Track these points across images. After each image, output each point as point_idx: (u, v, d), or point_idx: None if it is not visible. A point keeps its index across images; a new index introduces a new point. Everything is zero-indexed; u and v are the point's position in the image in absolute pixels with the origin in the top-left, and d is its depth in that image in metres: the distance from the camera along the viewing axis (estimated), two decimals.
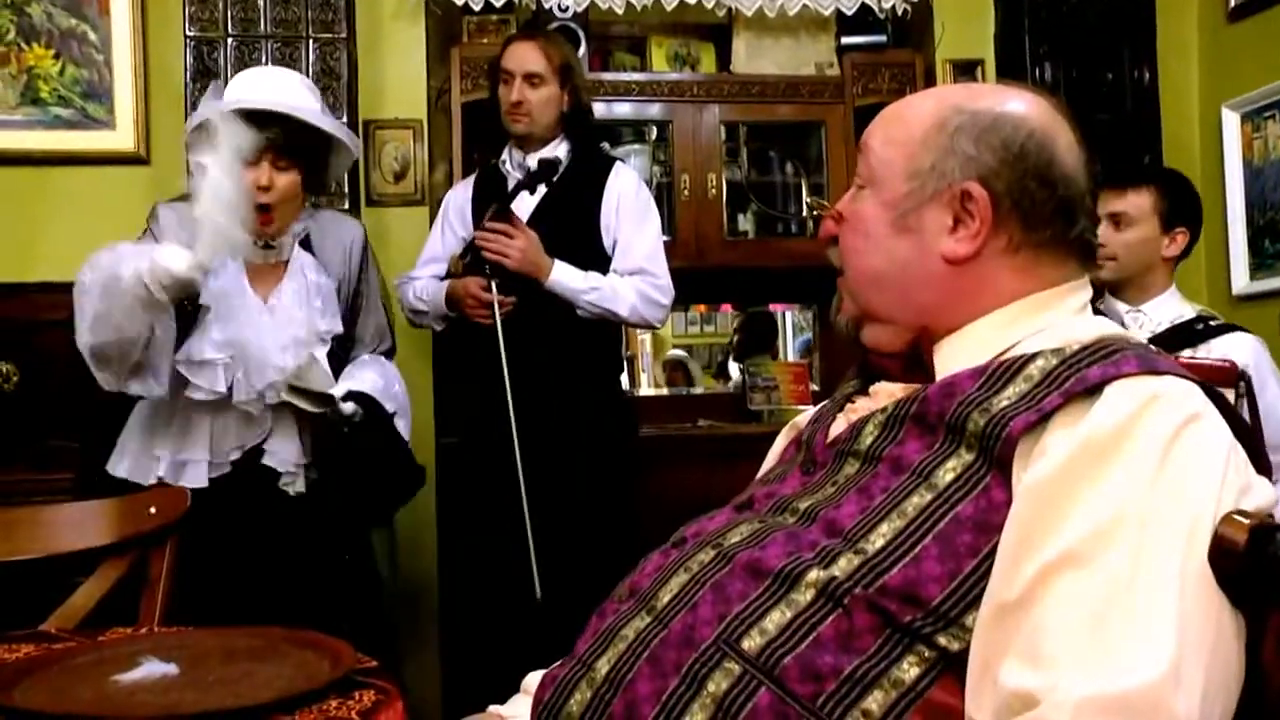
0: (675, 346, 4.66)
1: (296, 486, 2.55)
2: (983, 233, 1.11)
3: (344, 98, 3.47)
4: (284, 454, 2.53)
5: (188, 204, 2.35)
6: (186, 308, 2.42)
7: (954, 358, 1.12)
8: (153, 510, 1.68)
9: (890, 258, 1.16)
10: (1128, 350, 1.02)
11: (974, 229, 1.12)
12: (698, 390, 4.54)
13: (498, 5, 3.72)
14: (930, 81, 3.93)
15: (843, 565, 0.99)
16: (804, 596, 0.99)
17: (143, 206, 2.65)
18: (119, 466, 2.53)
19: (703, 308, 4.69)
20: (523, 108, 2.99)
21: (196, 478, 2.46)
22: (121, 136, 3.51)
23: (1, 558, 1.70)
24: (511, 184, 3.03)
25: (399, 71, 3.74)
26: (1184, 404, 0.97)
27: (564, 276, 2.94)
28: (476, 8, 3.73)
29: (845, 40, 4.00)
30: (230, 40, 3.39)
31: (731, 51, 4.01)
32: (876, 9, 3.88)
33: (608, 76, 3.87)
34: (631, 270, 3.03)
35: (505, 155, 3.12)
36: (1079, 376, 0.99)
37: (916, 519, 1.00)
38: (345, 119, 3.47)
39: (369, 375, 2.63)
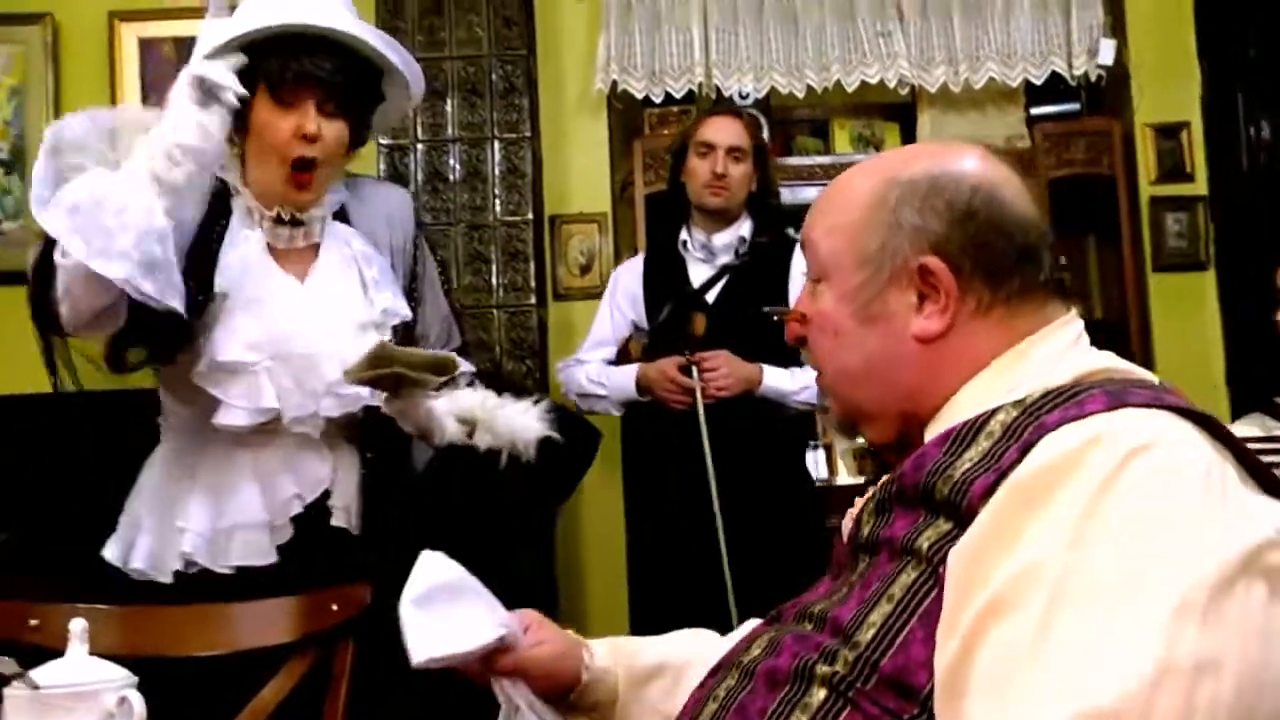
0: None
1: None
2: (950, 305, 1.04)
3: (529, 195, 3.53)
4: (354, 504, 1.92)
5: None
6: (196, 299, 1.78)
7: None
8: (335, 607, 1.67)
9: (863, 352, 1.09)
10: (1097, 389, 0.93)
11: (941, 303, 1.04)
12: None
13: (678, 96, 3.74)
14: (1129, 149, 3.75)
15: (841, 662, 0.92)
16: (816, 697, 0.92)
17: None
18: (132, 554, 1.88)
19: None
20: (724, 181, 2.95)
21: (255, 551, 1.83)
22: None
23: (196, 652, 1.72)
24: (691, 265, 3.02)
25: (583, 166, 3.77)
26: (1131, 436, 0.86)
27: (774, 381, 2.90)
28: (657, 100, 3.76)
29: (1035, 110, 3.87)
30: (420, 146, 3.51)
31: (916, 129, 3.92)
32: (1068, 76, 3.72)
33: (791, 161, 3.83)
34: None
35: (685, 235, 3.07)
36: (1037, 425, 0.91)
37: (903, 600, 0.92)
38: (531, 215, 3.52)
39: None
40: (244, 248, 1.87)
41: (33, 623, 1.61)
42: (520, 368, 3.48)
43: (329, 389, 1.83)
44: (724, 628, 2.62)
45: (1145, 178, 3.73)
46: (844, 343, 1.10)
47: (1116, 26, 3.72)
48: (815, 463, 3.66)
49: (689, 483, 2.85)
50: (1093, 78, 3.71)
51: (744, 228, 3.02)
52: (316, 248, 1.94)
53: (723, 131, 2.98)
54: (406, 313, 1.96)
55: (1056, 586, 0.80)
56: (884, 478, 1.05)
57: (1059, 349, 1.04)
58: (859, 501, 1.11)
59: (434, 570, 1.20)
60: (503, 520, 1.91)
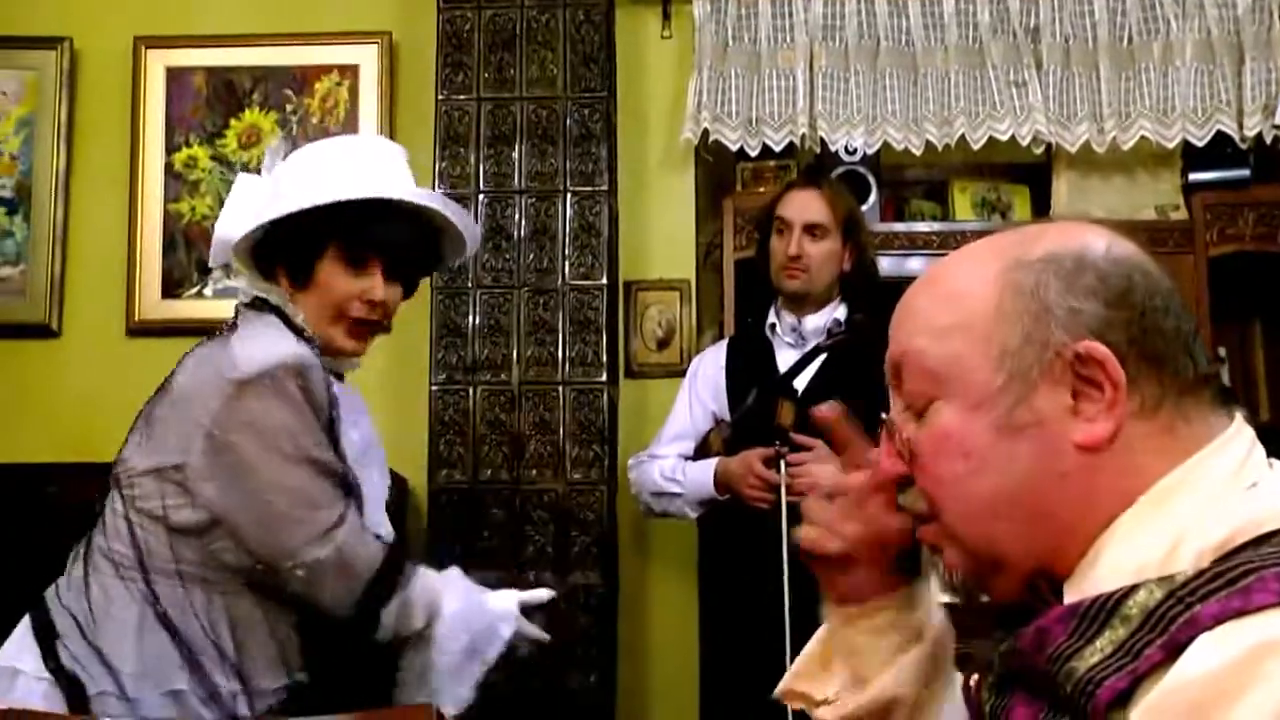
0: None
1: None
2: (1119, 400, 0.89)
3: (603, 257, 3.29)
4: None
5: None
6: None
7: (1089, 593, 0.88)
8: None
9: (1009, 471, 0.91)
10: (1269, 570, 0.77)
11: (1108, 398, 0.89)
12: None
13: (776, 150, 3.42)
14: None
15: None
16: None
17: None
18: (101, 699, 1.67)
19: None
20: (801, 262, 2.76)
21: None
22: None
23: None
24: (780, 350, 2.84)
25: (665, 226, 3.55)
26: None
27: None
28: (753, 153, 3.45)
29: (1194, 177, 3.40)
30: (482, 197, 3.30)
31: (1051, 194, 3.52)
32: (1236, 138, 3.29)
33: (901, 228, 3.44)
34: None
35: (772, 318, 2.88)
36: (1189, 618, 0.77)
37: None
38: (604, 280, 3.31)
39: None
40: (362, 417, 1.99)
41: None
42: (586, 454, 3.21)
43: None
44: None
45: None
46: (980, 465, 0.93)
47: None
48: None
49: (762, 593, 2.55)
50: (1268, 139, 3.28)
51: (839, 310, 2.84)
52: None
53: (796, 206, 2.80)
54: None
55: None
56: (1003, 645, 0.91)
57: (1224, 476, 0.88)
58: (975, 678, 0.99)
59: None
60: None
